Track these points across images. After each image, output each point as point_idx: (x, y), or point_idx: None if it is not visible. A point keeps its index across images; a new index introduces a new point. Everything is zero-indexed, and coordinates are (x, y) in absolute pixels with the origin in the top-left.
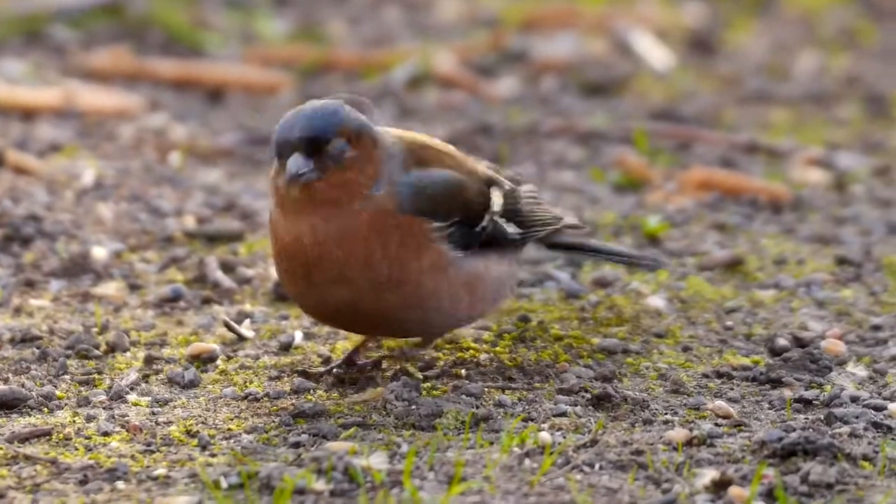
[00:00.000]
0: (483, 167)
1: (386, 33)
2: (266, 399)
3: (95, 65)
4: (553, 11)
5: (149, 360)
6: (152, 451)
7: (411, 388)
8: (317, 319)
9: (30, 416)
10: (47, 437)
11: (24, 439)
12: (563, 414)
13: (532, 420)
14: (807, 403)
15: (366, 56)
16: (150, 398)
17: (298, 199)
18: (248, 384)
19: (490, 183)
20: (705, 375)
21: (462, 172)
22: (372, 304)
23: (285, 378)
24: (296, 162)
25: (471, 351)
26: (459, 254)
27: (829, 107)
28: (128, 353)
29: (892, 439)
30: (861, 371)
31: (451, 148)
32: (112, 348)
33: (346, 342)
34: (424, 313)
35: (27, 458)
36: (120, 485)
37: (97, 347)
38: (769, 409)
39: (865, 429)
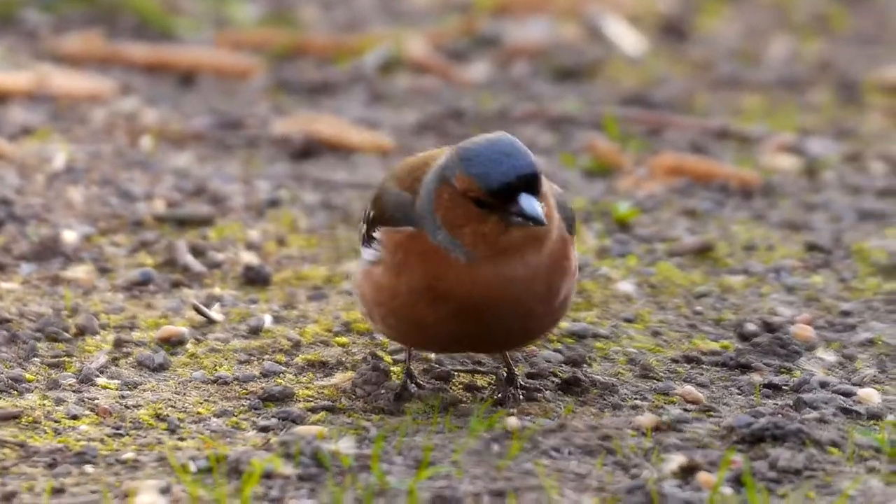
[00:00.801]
0: None
1: (358, 18)
2: (235, 382)
3: (67, 49)
4: None
5: (118, 344)
6: (121, 435)
7: (380, 372)
8: (438, 352)
9: None
10: (16, 420)
11: None
12: (532, 398)
13: (500, 405)
14: (776, 389)
15: (338, 41)
16: (119, 381)
17: (514, 240)
18: (217, 368)
19: None
20: (674, 360)
21: None
22: (534, 325)
23: (255, 361)
24: (532, 203)
25: None
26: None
27: (801, 92)
28: (97, 337)
29: (861, 425)
30: (830, 356)
31: None
32: (81, 331)
33: (315, 326)
34: (557, 321)
35: None
36: (88, 468)
37: (67, 330)
38: (738, 394)
39: (834, 414)
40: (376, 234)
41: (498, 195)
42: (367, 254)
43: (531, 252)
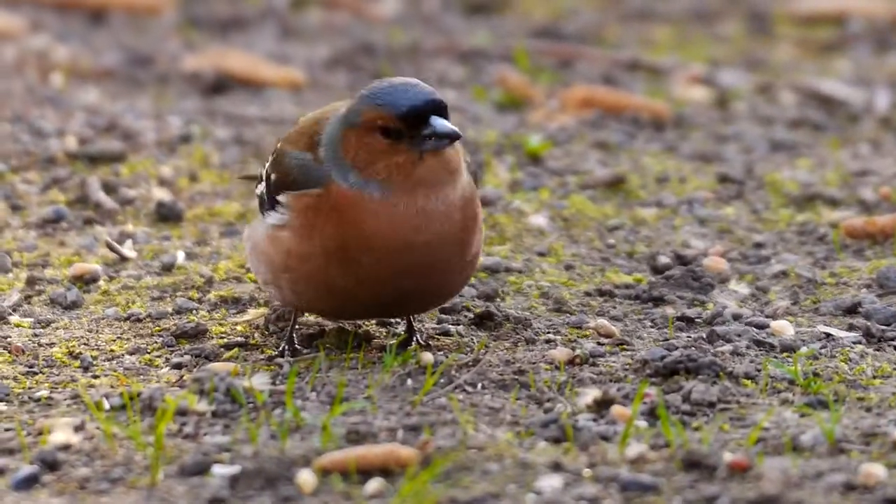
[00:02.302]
0: None
1: None
2: (148, 319)
3: None
4: None
5: (31, 281)
6: (34, 373)
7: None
8: (344, 318)
9: None
10: None
11: None
12: (446, 333)
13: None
14: (689, 322)
15: None
16: (32, 319)
17: (429, 169)
18: (130, 305)
19: None
20: (587, 294)
21: None
22: (447, 282)
23: (167, 298)
24: (444, 122)
25: None
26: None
27: (711, 24)
28: (10, 275)
29: (774, 357)
30: (743, 289)
31: None
32: None
33: (228, 262)
34: (467, 280)
35: None
36: (2, 406)
37: None
38: (651, 327)
39: (748, 347)
40: (281, 199)
41: (407, 119)
42: (273, 217)
43: (447, 186)
